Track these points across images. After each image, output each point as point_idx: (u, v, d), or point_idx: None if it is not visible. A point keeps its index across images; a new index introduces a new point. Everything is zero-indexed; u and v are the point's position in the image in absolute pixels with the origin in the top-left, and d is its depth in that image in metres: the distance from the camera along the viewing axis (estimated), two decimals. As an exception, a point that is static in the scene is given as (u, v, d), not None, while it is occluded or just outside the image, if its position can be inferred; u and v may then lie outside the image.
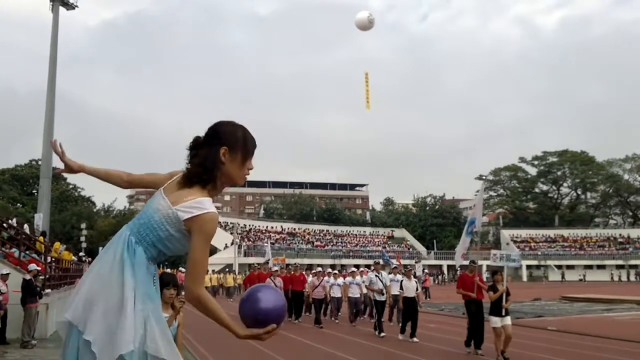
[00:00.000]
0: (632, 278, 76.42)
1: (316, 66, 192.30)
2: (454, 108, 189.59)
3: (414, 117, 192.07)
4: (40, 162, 50.90)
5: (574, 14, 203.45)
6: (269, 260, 28.11)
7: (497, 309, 12.85)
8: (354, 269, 23.40)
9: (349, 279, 21.92)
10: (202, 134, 3.16)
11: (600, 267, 79.96)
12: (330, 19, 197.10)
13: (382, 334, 17.18)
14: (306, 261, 60.44)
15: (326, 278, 22.35)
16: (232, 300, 35.71)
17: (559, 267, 79.84)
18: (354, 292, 21.09)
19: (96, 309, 2.93)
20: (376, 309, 18.28)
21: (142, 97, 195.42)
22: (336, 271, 24.95)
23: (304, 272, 23.71)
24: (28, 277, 15.66)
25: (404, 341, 16.13)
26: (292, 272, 23.05)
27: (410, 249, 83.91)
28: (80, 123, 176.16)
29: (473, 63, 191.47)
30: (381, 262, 21.97)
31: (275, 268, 22.50)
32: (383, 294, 17.98)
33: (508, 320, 12.83)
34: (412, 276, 17.27)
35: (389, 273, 20.03)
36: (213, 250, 70.36)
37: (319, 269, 23.01)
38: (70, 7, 44.93)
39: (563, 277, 74.71)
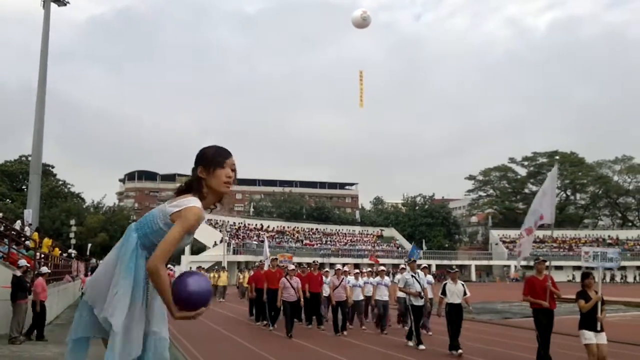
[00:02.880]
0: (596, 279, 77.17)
1: (306, 65, 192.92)
2: (444, 108, 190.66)
3: (404, 116, 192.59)
4: (30, 158, 50.73)
5: (564, 15, 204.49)
6: (276, 257, 26.20)
7: (590, 322, 10.50)
8: (382, 267, 20.54)
9: (376, 279, 19.32)
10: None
11: (590, 267, 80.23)
12: (320, 18, 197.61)
13: (422, 347, 14.72)
14: (295, 260, 60.51)
15: (347, 278, 19.28)
16: (225, 300, 34.49)
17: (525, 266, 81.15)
18: (382, 295, 18.53)
19: (97, 285, 3.75)
20: (413, 316, 15.31)
21: (130, 94, 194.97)
22: (357, 270, 21.62)
23: (321, 272, 20.70)
24: (19, 273, 15.66)
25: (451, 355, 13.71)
26: (309, 271, 20.07)
27: (400, 249, 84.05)
28: (68, 119, 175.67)
29: (463, 63, 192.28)
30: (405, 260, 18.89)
31: (292, 267, 19.63)
32: (421, 298, 15.28)
33: (604, 337, 10.49)
34: (457, 279, 14.50)
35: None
36: (202, 248, 70.35)
37: (339, 266, 19.65)
38: (62, 3, 44.79)
39: (524, 276, 75.92)
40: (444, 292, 14.06)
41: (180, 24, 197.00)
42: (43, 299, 16.44)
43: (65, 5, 45.08)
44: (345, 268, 20.24)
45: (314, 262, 21.88)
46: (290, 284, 17.80)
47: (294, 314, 18.00)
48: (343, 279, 18.67)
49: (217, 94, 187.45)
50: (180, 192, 3.83)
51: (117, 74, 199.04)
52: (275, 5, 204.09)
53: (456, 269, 15.43)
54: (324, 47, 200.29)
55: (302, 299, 18.13)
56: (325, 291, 19.79)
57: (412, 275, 15.49)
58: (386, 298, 18.46)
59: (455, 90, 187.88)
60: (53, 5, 44.26)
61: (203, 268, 37.67)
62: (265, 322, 20.02)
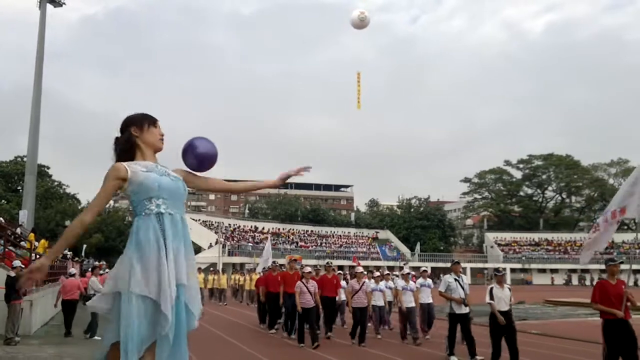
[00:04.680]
0: (575, 282, 77.75)
1: (301, 67, 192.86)
2: (441, 110, 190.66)
3: (400, 118, 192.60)
4: (25, 159, 50.62)
5: (561, 18, 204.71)
6: (295, 259, 23.63)
7: None
8: (407, 270, 18.79)
9: (401, 283, 17.34)
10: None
11: (585, 271, 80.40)
12: (315, 19, 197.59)
13: (454, 358, 13.24)
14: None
15: (367, 281, 17.34)
16: (227, 304, 32.81)
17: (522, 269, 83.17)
18: (408, 301, 16.69)
19: None
20: (454, 325, 13.39)
21: (126, 94, 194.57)
22: (378, 273, 19.62)
23: (336, 275, 18.91)
24: (12, 273, 15.64)
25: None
26: (324, 274, 18.15)
27: (395, 251, 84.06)
28: (63, 120, 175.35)
29: (460, 65, 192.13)
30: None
31: (308, 269, 17.11)
32: (466, 305, 13.32)
33: None
34: (504, 283, 12.39)
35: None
36: (197, 250, 70.20)
37: (360, 269, 17.90)
38: (58, 4, 44.79)
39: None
40: (492, 298, 11.99)
41: (174, 25, 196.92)
42: (69, 297, 17.43)
43: (61, 6, 45.09)
44: (357, 269, 18.27)
45: (327, 263, 19.45)
46: (307, 288, 15.98)
47: (312, 322, 15.90)
48: (364, 282, 16.82)
49: (212, 95, 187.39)
50: (122, 153, 4.17)
51: (112, 75, 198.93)
52: (271, 6, 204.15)
53: (503, 272, 13.09)
54: (321, 49, 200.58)
55: (320, 305, 16.53)
56: (341, 296, 18.55)
57: (455, 279, 13.57)
58: (412, 304, 16.64)
59: (451, 92, 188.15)
60: (48, 6, 44.27)
61: (201, 269, 37.42)
62: (284, 330, 18.46)
